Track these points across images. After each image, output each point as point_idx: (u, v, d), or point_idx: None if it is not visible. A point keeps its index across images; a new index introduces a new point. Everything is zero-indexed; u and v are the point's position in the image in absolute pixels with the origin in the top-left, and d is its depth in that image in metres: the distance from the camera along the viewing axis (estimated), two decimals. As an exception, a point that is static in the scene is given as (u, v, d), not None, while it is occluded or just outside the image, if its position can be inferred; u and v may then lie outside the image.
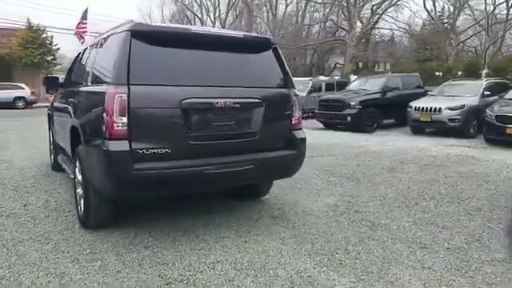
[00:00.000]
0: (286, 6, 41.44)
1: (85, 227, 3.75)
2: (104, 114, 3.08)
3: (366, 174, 6.23)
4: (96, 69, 3.80)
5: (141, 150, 3.13)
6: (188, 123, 3.32)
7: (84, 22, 23.49)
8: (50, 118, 6.05)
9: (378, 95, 12.68)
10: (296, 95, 4.03)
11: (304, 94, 17.00)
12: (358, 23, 33.12)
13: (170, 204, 4.37)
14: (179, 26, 3.78)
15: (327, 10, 39.20)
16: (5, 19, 25.65)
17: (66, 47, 28.19)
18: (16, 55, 25.99)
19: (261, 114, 3.71)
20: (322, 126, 13.26)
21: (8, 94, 22.33)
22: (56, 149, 5.70)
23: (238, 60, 3.75)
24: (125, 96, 3.06)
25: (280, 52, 3.98)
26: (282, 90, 3.96)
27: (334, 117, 12.56)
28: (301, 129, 4.08)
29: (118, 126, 3.06)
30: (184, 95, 3.27)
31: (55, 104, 5.59)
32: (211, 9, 46.00)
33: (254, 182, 4.18)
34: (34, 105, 22.95)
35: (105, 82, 3.28)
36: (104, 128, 3.08)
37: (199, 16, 45.63)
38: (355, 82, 15.16)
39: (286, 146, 3.92)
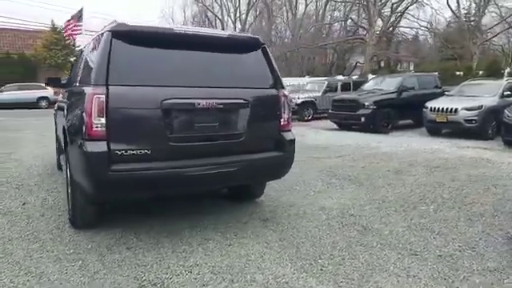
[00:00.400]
0: (306, 5, 41.19)
1: (74, 227, 3.79)
2: (84, 115, 3.09)
3: (371, 176, 6.07)
4: (83, 69, 3.83)
5: (120, 151, 3.12)
6: (169, 124, 3.30)
7: (78, 24, 24.12)
8: (55, 117, 6.18)
9: (393, 95, 12.38)
10: (285, 96, 3.95)
11: (319, 94, 16.86)
12: (379, 21, 32.56)
13: (160, 205, 4.37)
14: (163, 26, 3.74)
15: (347, 9, 38.74)
16: (29, 21, 26.43)
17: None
18: (40, 56, 26.74)
19: (246, 115, 3.65)
20: (335, 126, 13.06)
21: (32, 94, 23.03)
22: (59, 148, 5.81)
23: (223, 60, 3.70)
24: (103, 97, 3.06)
25: (269, 52, 3.91)
26: (270, 90, 3.89)
27: (347, 117, 12.34)
28: (290, 130, 3.99)
29: (96, 127, 3.06)
30: (165, 96, 3.24)
31: (57, 104, 5.70)
32: (232, 10, 46.19)
33: (238, 183, 4.12)
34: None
35: (88, 83, 3.30)
36: (84, 129, 3.09)
37: (220, 17, 45.89)
38: (370, 82, 14.86)
39: (273, 148, 3.85)
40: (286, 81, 20.27)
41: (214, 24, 46.10)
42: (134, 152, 3.16)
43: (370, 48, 29.55)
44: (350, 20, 38.90)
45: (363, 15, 35.21)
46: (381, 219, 4.17)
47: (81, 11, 25.81)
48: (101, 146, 3.05)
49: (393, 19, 34.80)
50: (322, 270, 3.06)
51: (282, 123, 3.91)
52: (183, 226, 3.85)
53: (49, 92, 23.68)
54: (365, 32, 33.92)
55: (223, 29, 44.87)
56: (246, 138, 3.65)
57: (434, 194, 5.06)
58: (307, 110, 16.61)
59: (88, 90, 3.12)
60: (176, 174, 3.28)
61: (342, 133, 11.94)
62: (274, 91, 3.88)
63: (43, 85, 23.81)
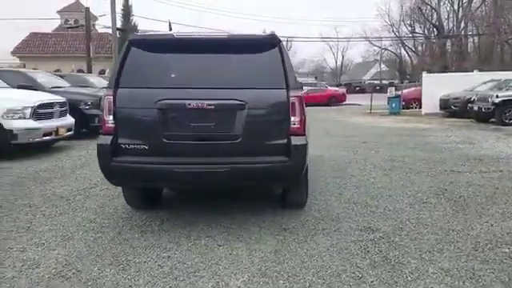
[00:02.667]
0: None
1: (131, 207, 4.46)
2: (102, 113, 3.67)
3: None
4: None
5: (123, 144, 3.55)
6: (163, 122, 3.51)
7: None
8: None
9: None
10: (297, 97, 3.57)
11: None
12: None
13: (203, 199, 4.63)
14: (168, 32, 3.91)
15: None
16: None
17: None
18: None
19: (243, 116, 3.50)
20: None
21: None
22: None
23: (224, 62, 3.66)
24: (111, 98, 3.55)
25: (280, 50, 3.61)
26: (277, 91, 3.59)
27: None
28: (302, 134, 3.59)
29: (107, 123, 3.59)
30: (159, 96, 3.48)
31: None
32: (450, -1, 41.21)
33: (230, 185, 3.94)
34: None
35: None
36: (101, 124, 3.67)
37: (436, 9, 41.71)
38: None
39: (277, 152, 3.55)
40: (486, 75, 17.34)
41: (430, 18, 42.40)
42: (135, 146, 3.54)
43: None
44: None
45: None
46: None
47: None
48: (107, 140, 3.56)
49: None
50: None
51: (290, 126, 3.57)
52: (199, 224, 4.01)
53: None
54: None
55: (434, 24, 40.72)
56: (242, 139, 3.51)
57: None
58: (509, 112, 13.56)
59: (105, 92, 3.68)
60: (166, 170, 3.48)
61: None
62: (281, 92, 3.57)
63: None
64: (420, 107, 18.46)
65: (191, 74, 3.62)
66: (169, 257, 3.27)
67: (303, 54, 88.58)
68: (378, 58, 58.69)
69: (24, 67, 28.04)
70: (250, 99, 3.52)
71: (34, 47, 29.73)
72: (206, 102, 3.46)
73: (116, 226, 3.96)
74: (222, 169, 3.47)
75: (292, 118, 3.57)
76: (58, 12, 38.58)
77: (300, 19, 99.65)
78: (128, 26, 28.83)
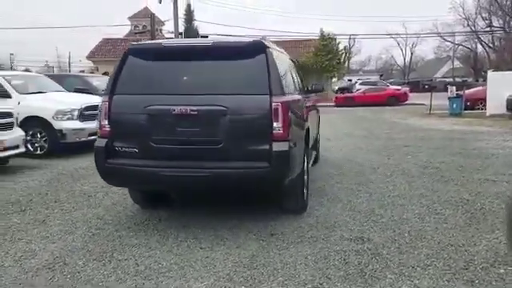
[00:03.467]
0: None
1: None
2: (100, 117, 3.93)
3: None
4: None
5: (117, 147, 3.78)
6: (151, 127, 3.68)
7: None
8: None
9: None
10: (281, 103, 3.53)
11: None
12: None
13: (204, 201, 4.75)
14: (159, 41, 4.01)
15: None
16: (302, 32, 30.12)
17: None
18: (308, 62, 30.25)
19: (226, 121, 3.55)
20: None
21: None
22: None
23: (208, 68, 3.72)
24: (107, 103, 3.79)
25: (266, 56, 3.59)
26: (259, 96, 3.58)
27: None
28: (285, 140, 3.54)
29: (103, 127, 3.84)
30: (148, 102, 3.65)
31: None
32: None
33: (212, 189, 3.95)
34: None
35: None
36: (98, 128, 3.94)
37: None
38: None
39: (257, 158, 3.54)
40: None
41: (509, 11, 38.77)
42: (127, 149, 3.75)
43: None
44: None
45: None
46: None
47: None
48: (102, 143, 3.81)
49: None
50: None
51: (273, 132, 3.53)
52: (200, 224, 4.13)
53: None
54: None
55: None
56: (224, 144, 3.55)
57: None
58: None
59: (102, 98, 3.94)
60: (152, 172, 3.64)
61: None
62: (263, 98, 3.55)
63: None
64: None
65: (178, 80, 3.75)
66: (149, 256, 3.43)
67: (369, 51, 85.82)
68: (451, 54, 54.96)
69: (97, 70, 30.48)
70: (232, 105, 3.57)
71: (105, 52, 32.05)
72: (189, 108, 3.57)
73: (117, 223, 4.22)
74: (202, 173, 3.55)
75: (274, 124, 3.55)
76: (129, 18, 41.27)
77: (363, 15, 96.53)
78: (190, 30, 29.94)
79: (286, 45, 33.27)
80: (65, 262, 3.35)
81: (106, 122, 3.84)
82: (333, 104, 27.03)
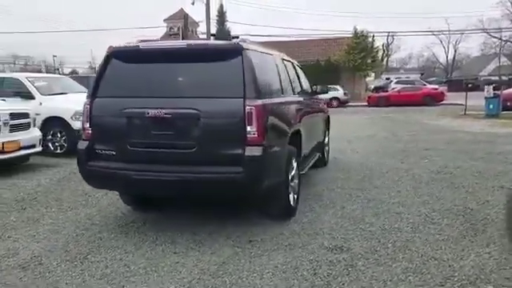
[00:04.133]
0: None
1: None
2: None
3: None
4: None
5: (97, 150, 3.83)
6: (127, 130, 3.70)
7: None
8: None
9: None
10: (255, 106, 3.45)
11: None
12: None
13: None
14: (135, 43, 3.97)
15: None
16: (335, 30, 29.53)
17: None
18: (341, 60, 29.71)
19: (199, 125, 3.51)
20: None
21: (326, 95, 26.19)
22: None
23: (184, 70, 3.69)
24: (88, 106, 3.85)
25: (242, 59, 3.53)
26: (233, 100, 3.50)
27: None
28: (259, 145, 3.45)
29: (85, 130, 3.91)
30: (124, 105, 3.67)
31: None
32: None
33: (182, 194, 3.90)
34: (347, 104, 25.96)
35: None
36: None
37: None
38: None
39: (230, 162, 3.46)
40: None
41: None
42: (105, 152, 3.79)
43: None
44: None
45: None
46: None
47: None
48: (84, 145, 3.88)
49: None
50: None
51: (247, 136, 3.45)
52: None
53: (340, 93, 26.28)
54: None
55: None
56: (197, 148, 3.51)
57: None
58: None
59: (85, 101, 4.00)
60: (126, 175, 3.66)
61: None
62: (237, 101, 3.47)
63: (335, 86, 26.71)
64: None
65: (155, 83, 3.74)
66: (120, 259, 3.45)
67: (410, 48, 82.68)
68: (498, 50, 52.07)
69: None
70: (205, 108, 3.52)
71: (142, 53, 33.14)
72: (163, 111, 3.55)
73: (104, 225, 4.29)
74: (173, 177, 3.53)
75: (248, 128, 3.47)
76: (164, 20, 42.26)
77: (404, 12, 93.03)
78: (222, 31, 30.22)
79: (317, 43, 32.91)
80: (40, 261, 3.43)
81: (88, 125, 3.90)
82: (365, 104, 26.40)
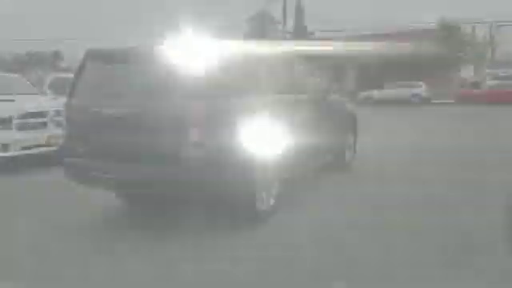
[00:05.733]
0: None
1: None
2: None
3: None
4: None
5: (71, 147, 4.18)
6: (92, 129, 3.98)
7: None
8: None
9: None
10: (198, 105, 3.56)
11: None
12: None
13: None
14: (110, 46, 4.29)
15: None
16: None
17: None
18: (429, 52, 27.30)
19: (144, 125, 3.70)
20: None
21: (406, 91, 24.49)
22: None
23: (134, 72, 3.92)
24: (65, 106, 4.27)
25: (187, 60, 3.68)
26: (178, 100, 3.62)
27: None
28: (202, 145, 3.56)
29: (64, 129, 4.33)
30: (88, 106, 3.99)
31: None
32: None
33: (137, 191, 4.19)
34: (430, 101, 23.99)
35: None
36: None
37: None
38: None
39: (171, 162, 3.61)
40: None
41: None
42: (78, 150, 4.08)
43: None
44: None
45: None
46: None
47: None
48: (61, 142, 4.25)
49: None
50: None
51: (188, 136, 3.57)
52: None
53: (421, 89, 24.38)
54: None
55: None
56: (142, 148, 3.71)
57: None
58: None
59: (64, 101, 4.39)
60: (88, 173, 4.01)
61: None
62: (181, 102, 3.59)
63: (418, 82, 24.78)
64: None
65: (113, 85, 4.00)
66: (88, 263, 3.47)
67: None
68: None
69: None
70: (150, 109, 3.70)
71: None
72: (115, 111, 3.80)
73: (96, 223, 4.53)
74: (126, 176, 3.81)
75: (191, 129, 3.56)
76: (245, 21, 43.43)
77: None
78: (299, 29, 30.21)
79: (405, 34, 30.65)
80: (23, 258, 3.57)
81: (65, 124, 4.31)
82: (452, 102, 24.06)
